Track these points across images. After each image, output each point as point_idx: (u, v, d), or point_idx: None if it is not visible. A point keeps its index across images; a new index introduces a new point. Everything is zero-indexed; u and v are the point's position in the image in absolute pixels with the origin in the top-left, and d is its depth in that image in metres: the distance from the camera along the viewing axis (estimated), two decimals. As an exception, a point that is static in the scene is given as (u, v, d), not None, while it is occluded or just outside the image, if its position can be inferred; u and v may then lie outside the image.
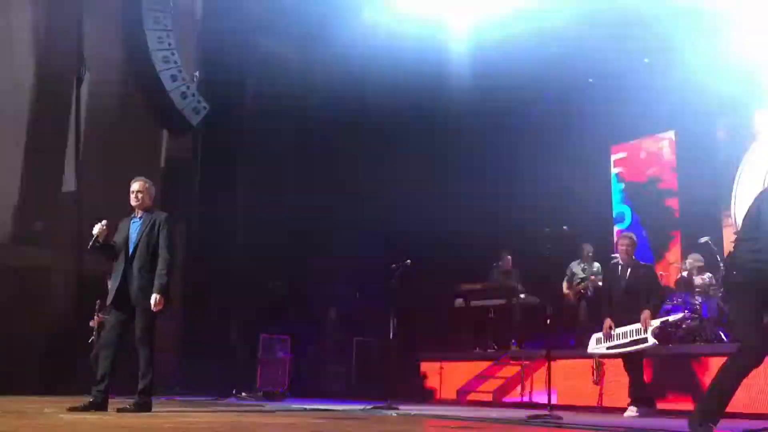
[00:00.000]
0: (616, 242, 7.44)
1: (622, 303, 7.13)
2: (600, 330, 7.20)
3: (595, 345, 7.22)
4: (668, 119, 11.37)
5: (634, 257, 7.29)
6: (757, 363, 4.04)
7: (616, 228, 11.77)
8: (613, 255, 8.39)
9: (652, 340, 6.74)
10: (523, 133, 12.42)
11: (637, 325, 6.83)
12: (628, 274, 7.18)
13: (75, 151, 11.05)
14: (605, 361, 7.80)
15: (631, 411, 6.82)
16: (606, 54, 10.99)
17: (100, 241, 5.91)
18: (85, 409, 5.71)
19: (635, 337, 6.83)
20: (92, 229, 5.90)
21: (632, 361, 6.99)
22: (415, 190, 12.17)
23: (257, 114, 12.72)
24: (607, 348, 7.09)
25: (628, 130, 11.84)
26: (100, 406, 5.77)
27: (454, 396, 9.60)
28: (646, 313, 6.81)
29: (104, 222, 5.93)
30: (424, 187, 12.30)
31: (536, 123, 12.34)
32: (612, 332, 7.02)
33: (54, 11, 10.99)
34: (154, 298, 5.81)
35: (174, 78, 11.87)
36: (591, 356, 7.70)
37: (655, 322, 6.81)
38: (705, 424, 4.02)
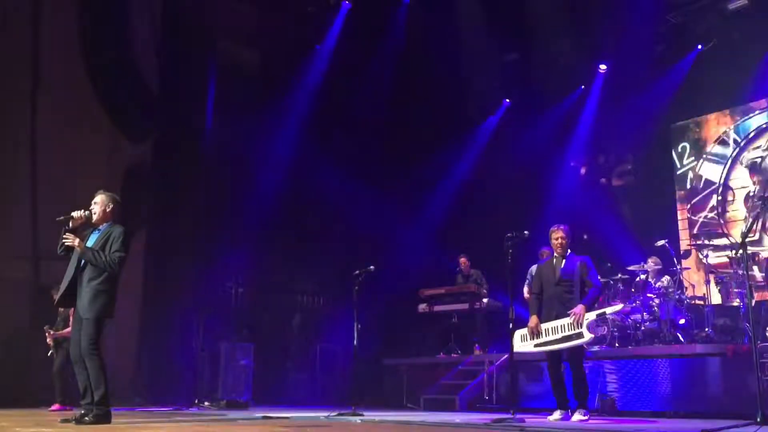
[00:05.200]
0: (550, 235, 6.99)
1: (556, 296, 6.78)
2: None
3: (521, 342, 6.84)
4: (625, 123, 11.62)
5: (569, 250, 6.94)
6: None
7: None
8: (541, 251, 8.40)
9: (588, 335, 6.44)
10: (484, 138, 12.61)
11: (568, 320, 6.54)
12: (563, 265, 6.86)
13: (30, 158, 10.81)
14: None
15: (580, 414, 6.55)
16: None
17: (69, 225, 5.88)
18: (78, 422, 5.63)
19: (568, 333, 6.52)
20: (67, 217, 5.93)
21: (574, 362, 6.70)
22: (377, 196, 12.19)
23: (218, 119, 12.60)
24: (535, 345, 6.75)
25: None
26: (101, 418, 5.65)
27: (418, 401, 9.61)
28: (580, 308, 6.53)
29: (86, 212, 5.93)
30: (386, 192, 12.34)
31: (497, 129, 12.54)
32: (540, 328, 6.70)
33: (9, 14, 10.74)
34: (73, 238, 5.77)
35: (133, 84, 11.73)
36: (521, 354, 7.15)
37: (590, 315, 6.54)
38: None
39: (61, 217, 5.93)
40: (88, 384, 5.77)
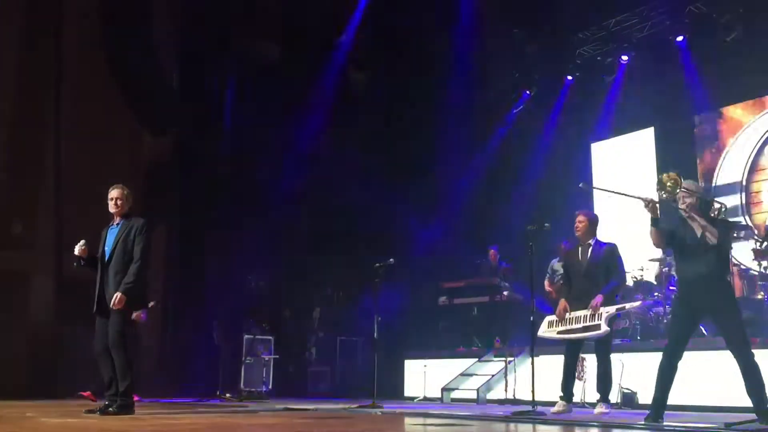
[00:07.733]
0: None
1: (581, 285, 6.62)
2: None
3: (546, 328, 6.76)
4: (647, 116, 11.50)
5: (594, 236, 6.74)
6: None
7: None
8: (559, 245, 8.33)
9: (605, 328, 6.29)
10: (505, 130, 12.55)
11: (589, 311, 6.41)
12: (589, 253, 6.66)
13: (54, 152, 10.93)
14: (587, 356, 7.78)
15: (602, 407, 6.45)
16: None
17: (84, 259, 6.05)
18: (102, 412, 5.71)
19: (587, 324, 6.39)
20: (74, 248, 6.04)
21: (600, 354, 6.58)
22: (398, 188, 12.18)
23: (239, 114, 12.65)
24: (558, 333, 6.65)
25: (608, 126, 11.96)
26: (125, 409, 5.74)
27: (439, 394, 9.61)
28: (598, 299, 6.36)
29: (83, 241, 6.05)
30: (407, 184, 12.34)
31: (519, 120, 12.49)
32: (567, 316, 6.58)
33: (33, 16, 10.86)
34: (116, 296, 5.81)
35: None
36: (546, 339, 7.04)
37: (610, 309, 6.39)
38: None
39: (74, 264, 6.11)
40: (113, 375, 5.86)
